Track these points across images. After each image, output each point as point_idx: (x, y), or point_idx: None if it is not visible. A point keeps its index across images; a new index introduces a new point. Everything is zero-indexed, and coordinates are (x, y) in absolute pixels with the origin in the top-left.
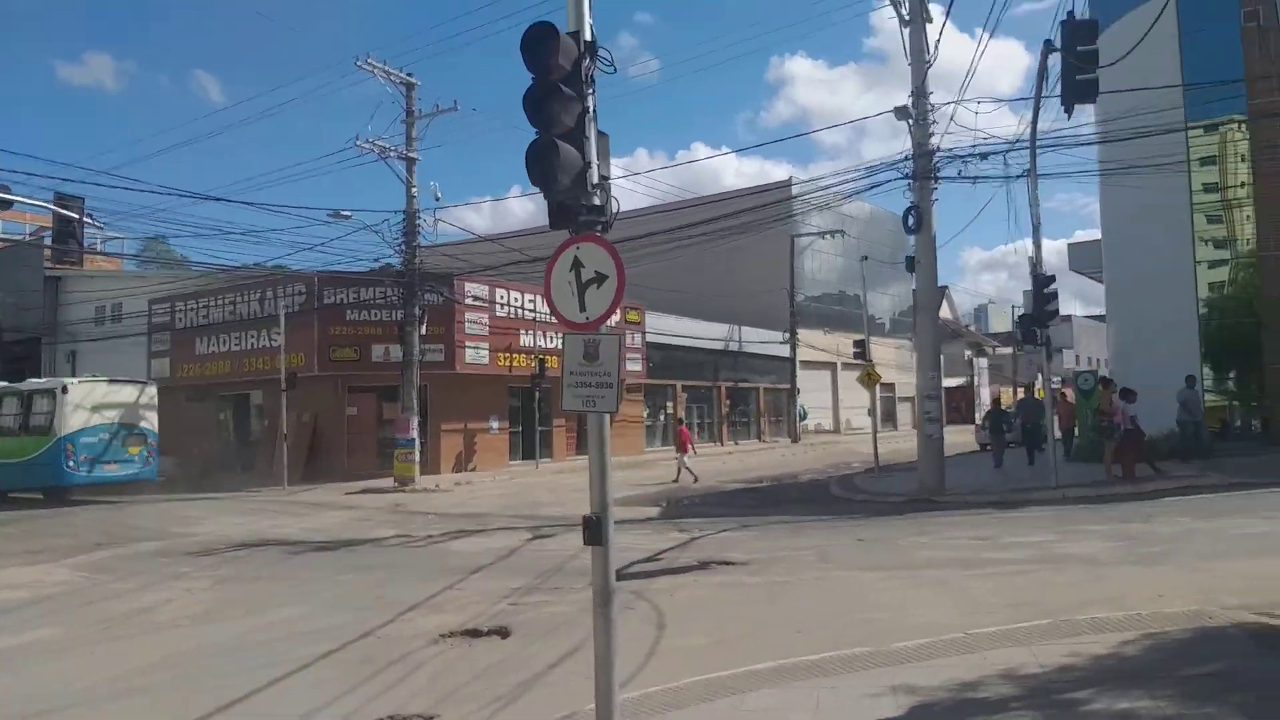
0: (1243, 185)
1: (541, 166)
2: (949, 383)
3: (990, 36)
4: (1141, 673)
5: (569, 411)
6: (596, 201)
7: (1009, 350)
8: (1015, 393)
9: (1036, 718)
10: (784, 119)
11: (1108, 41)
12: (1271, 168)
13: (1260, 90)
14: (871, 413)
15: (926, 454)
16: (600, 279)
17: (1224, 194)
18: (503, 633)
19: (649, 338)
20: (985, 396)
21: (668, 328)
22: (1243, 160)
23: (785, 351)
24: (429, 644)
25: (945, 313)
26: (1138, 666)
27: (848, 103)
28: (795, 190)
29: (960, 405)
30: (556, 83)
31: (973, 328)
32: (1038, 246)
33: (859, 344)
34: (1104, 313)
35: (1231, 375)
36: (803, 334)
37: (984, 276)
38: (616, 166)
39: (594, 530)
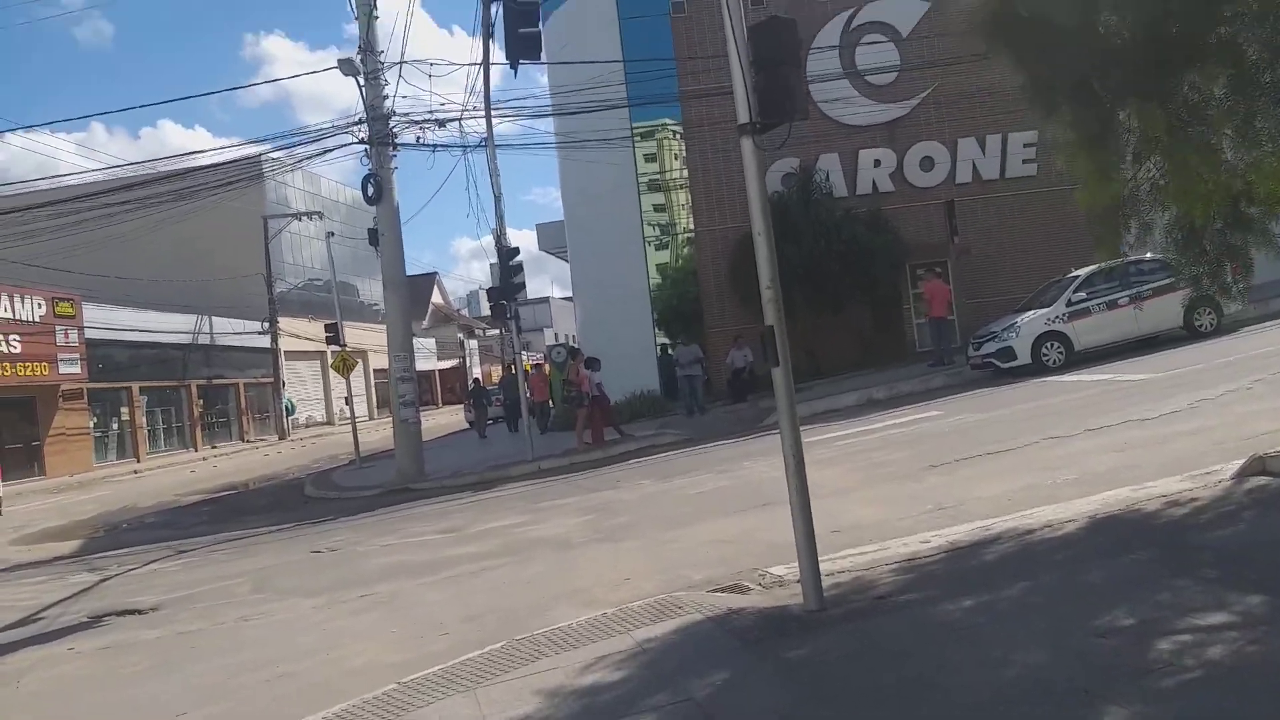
0: (679, 166)
1: None
2: (444, 364)
3: None
4: (612, 710)
5: None
6: None
7: (496, 331)
8: (503, 371)
9: None
10: (264, 99)
11: (558, 23)
12: (700, 149)
13: (687, 75)
14: (349, 400)
15: (403, 440)
16: None
17: (663, 176)
18: None
19: (93, 333)
20: (476, 373)
21: (116, 321)
22: (678, 141)
23: (266, 342)
24: None
25: (438, 298)
26: (604, 704)
27: (334, 89)
28: (245, 159)
29: (455, 386)
30: None
31: (464, 312)
32: (500, 218)
33: (330, 328)
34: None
35: (680, 340)
36: (287, 323)
37: (474, 264)
38: (66, 141)
39: None
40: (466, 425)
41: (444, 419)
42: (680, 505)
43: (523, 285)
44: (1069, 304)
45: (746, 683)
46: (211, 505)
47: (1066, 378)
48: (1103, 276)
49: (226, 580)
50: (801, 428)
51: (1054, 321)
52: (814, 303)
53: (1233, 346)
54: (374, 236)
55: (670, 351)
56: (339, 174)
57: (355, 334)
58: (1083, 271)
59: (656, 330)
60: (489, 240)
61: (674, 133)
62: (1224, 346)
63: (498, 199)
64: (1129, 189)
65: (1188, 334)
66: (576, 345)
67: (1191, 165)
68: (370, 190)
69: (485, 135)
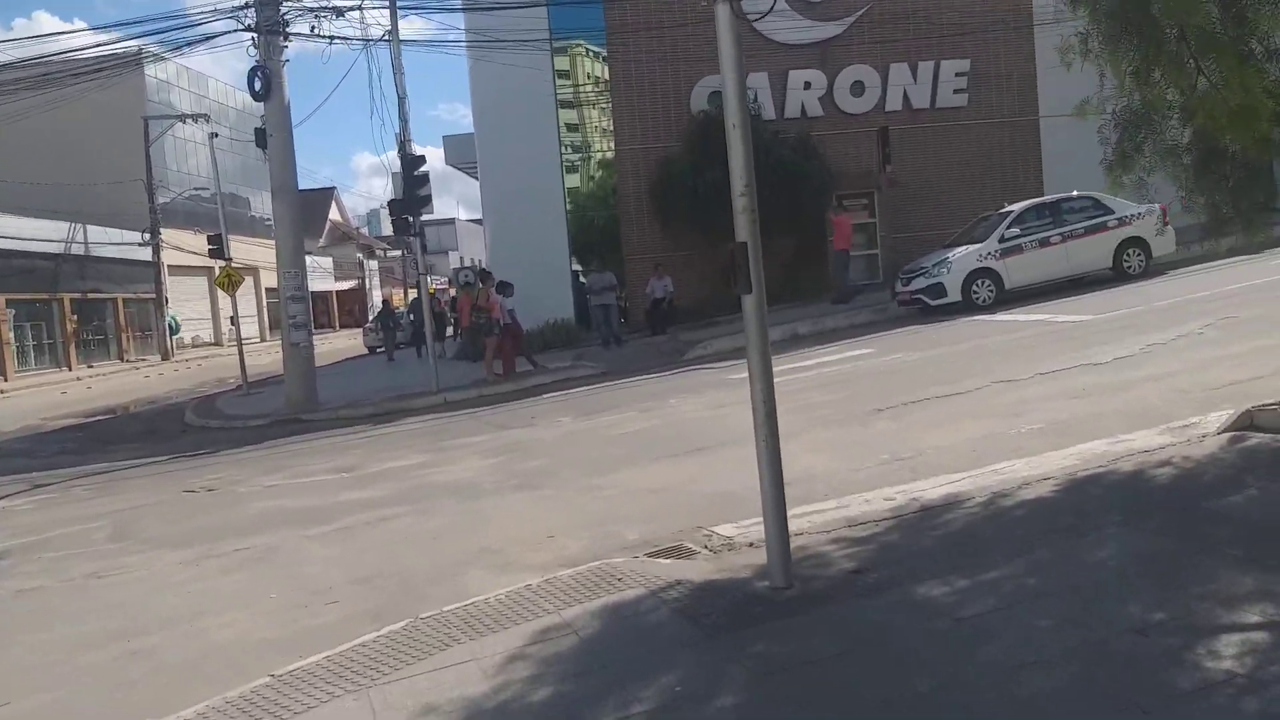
0: (597, 86)
1: None
2: (342, 285)
3: None
4: None
5: None
6: None
7: (399, 253)
8: (405, 294)
9: None
10: None
11: None
12: (623, 60)
13: None
14: (235, 321)
15: (294, 365)
16: None
17: (578, 90)
18: None
19: None
20: (377, 299)
21: None
22: (597, 61)
23: (148, 255)
24: None
25: (335, 215)
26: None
27: None
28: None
29: (354, 308)
30: None
31: (365, 231)
32: (404, 121)
33: (214, 240)
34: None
35: (594, 266)
36: (171, 235)
37: (375, 181)
38: None
39: None
40: (366, 351)
41: (342, 343)
42: (603, 447)
43: (429, 199)
44: (1002, 240)
45: (714, 693)
46: (79, 432)
47: (999, 317)
48: (1035, 213)
49: (84, 524)
50: (725, 364)
51: (986, 258)
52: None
53: (1166, 289)
54: (261, 137)
55: (583, 279)
56: (230, 76)
57: (245, 249)
58: (1016, 207)
59: (571, 256)
60: (394, 155)
61: (592, 51)
62: (1157, 289)
63: (402, 100)
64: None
65: (1115, 275)
66: (486, 268)
67: (1234, 75)
68: (258, 85)
69: (389, 28)
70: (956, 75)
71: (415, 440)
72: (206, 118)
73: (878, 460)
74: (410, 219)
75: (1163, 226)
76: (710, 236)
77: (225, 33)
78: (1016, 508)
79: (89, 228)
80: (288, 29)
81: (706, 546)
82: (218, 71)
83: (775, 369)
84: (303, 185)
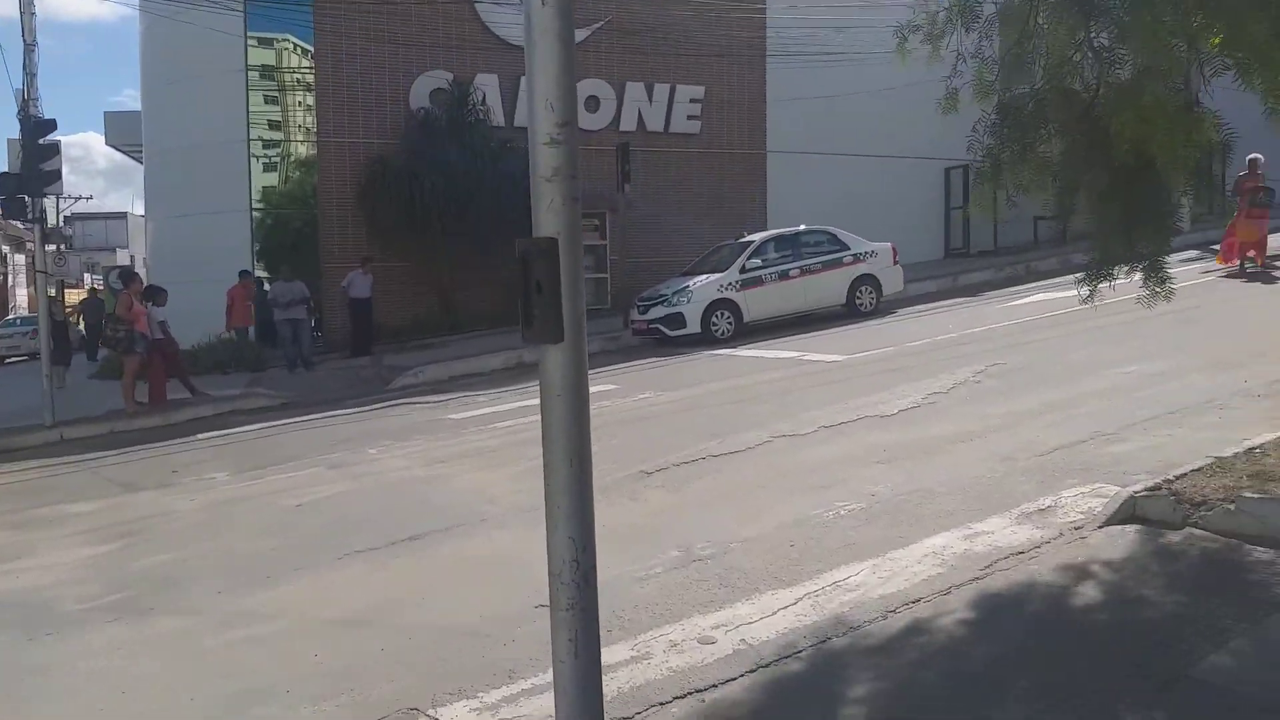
0: (299, 72)
1: None
2: None
3: None
4: None
5: None
6: None
7: (54, 248)
8: (61, 293)
9: None
10: None
11: None
12: (331, 38)
13: None
14: None
15: None
16: None
17: (280, 77)
18: None
19: None
20: (21, 297)
21: None
22: (298, 54)
23: None
24: None
25: None
26: None
27: None
28: None
29: None
30: None
31: (15, 222)
32: (31, 75)
33: None
34: None
35: (280, 275)
36: None
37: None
38: None
39: None
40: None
41: None
42: (268, 533)
43: (57, 175)
44: (743, 270)
45: None
46: None
47: (743, 352)
48: (775, 244)
49: None
50: (440, 397)
51: (727, 289)
52: (458, 242)
53: (908, 329)
54: None
55: (267, 289)
56: None
57: None
58: (756, 237)
59: (256, 261)
60: (77, 139)
61: (297, 46)
62: (897, 328)
63: (29, 49)
64: None
65: (847, 311)
66: (131, 269)
67: None
68: None
69: None
70: (691, 101)
71: None
72: None
73: (667, 559)
74: (28, 199)
75: (892, 264)
76: (425, 248)
77: None
78: (901, 667)
79: None
80: None
81: None
82: None
83: (502, 406)
84: None
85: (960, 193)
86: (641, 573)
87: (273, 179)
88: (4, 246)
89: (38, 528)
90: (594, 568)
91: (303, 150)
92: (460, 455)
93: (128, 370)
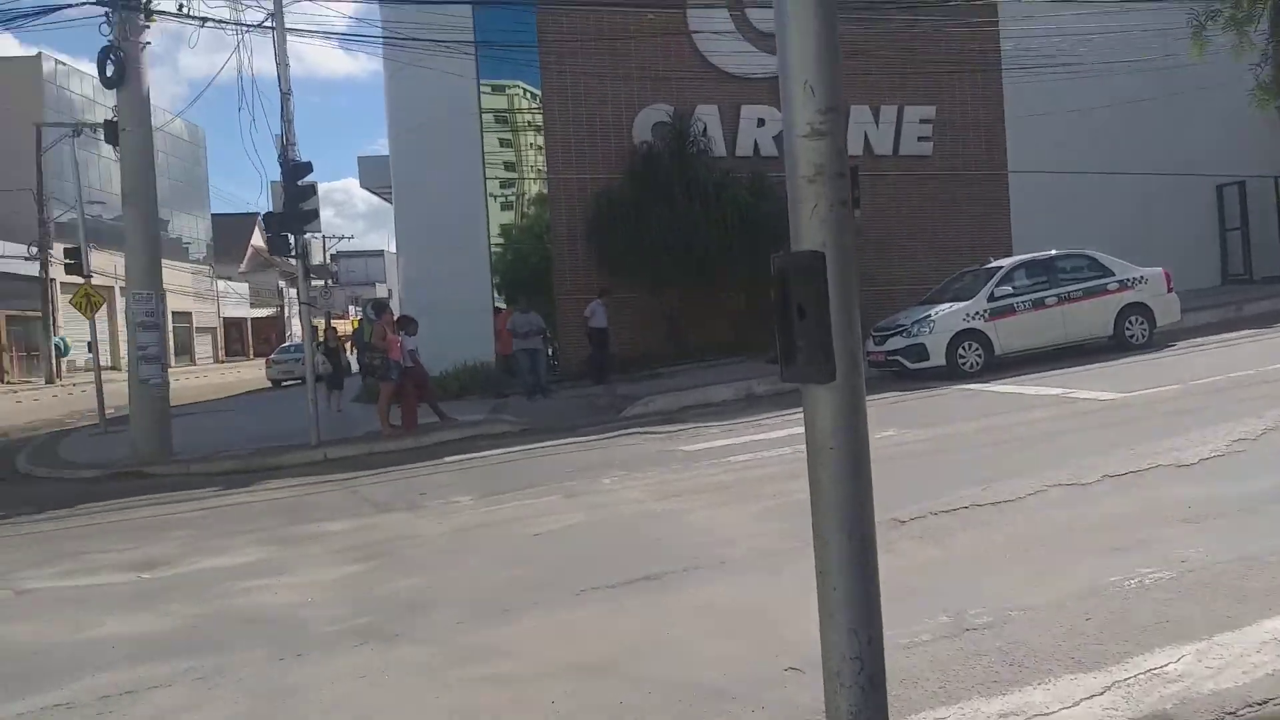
0: (531, 108)
1: None
2: (258, 312)
3: None
4: None
5: None
6: None
7: (322, 282)
8: (328, 323)
9: None
10: None
11: None
12: (558, 79)
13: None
14: (93, 346)
15: (142, 406)
16: None
17: (511, 113)
18: None
19: None
20: (297, 327)
21: None
22: (529, 98)
23: (35, 270)
24: None
25: (259, 240)
26: None
27: None
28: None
29: (271, 337)
30: None
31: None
32: (288, 121)
33: (71, 254)
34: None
35: (518, 306)
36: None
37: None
38: None
39: None
40: (270, 384)
41: (251, 373)
42: (508, 562)
43: (314, 215)
44: (991, 299)
45: None
46: None
47: (995, 387)
48: (1027, 270)
49: None
50: (671, 429)
51: (973, 318)
52: (685, 273)
53: (1191, 364)
54: (112, 131)
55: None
56: (166, 98)
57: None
58: (1005, 262)
59: (496, 292)
60: (329, 186)
61: (525, 90)
62: (1176, 363)
63: (286, 98)
64: None
65: (1115, 344)
66: (383, 300)
67: None
68: (110, 69)
69: (272, 10)
70: (921, 121)
71: (262, 520)
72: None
73: (935, 625)
74: (291, 236)
75: (1166, 293)
76: (652, 279)
77: (71, 4)
78: None
79: None
80: (149, 4)
81: None
82: None
83: (735, 440)
84: (229, 210)
85: (1238, 213)
86: (905, 639)
87: (509, 216)
88: (281, 282)
89: (298, 544)
90: (882, 670)
91: (535, 188)
92: (694, 490)
93: (383, 395)
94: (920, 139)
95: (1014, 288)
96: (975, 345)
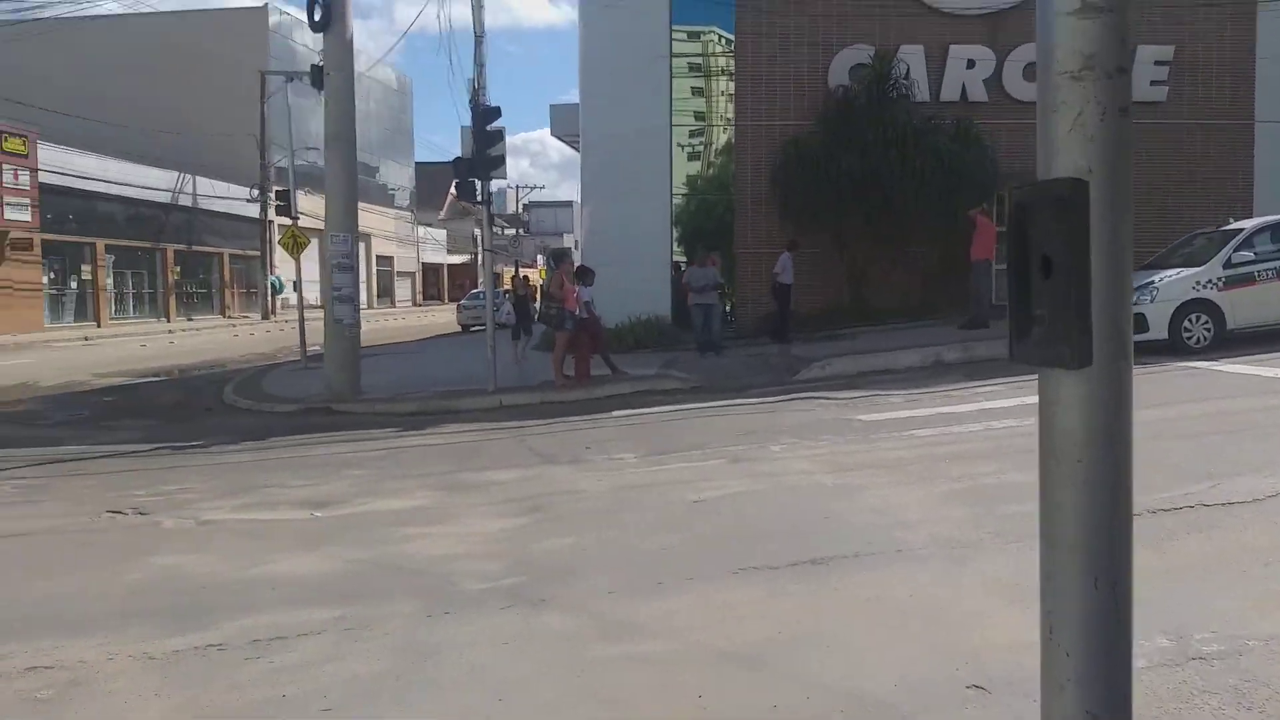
0: (725, 52)
1: None
2: (455, 259)
3: None
4: None
5: None
6: None
7: (513, 231)
8: (517, 272)
9: None
10: None
11: None
12: (753, 25)
13: None
14: (298, 286)
15: (335, 346)
16: None
17: (705, 63)
18: None
19: (49, 178)
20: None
21: (81, 167)
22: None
23: (256, 212)
24: None
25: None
26: None
27: None
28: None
29: (465, 283)
30: None
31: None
32: (480, 66)
33: (283, 195)
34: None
35: (696, 259)
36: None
37: (513, 160)
38: None
39: None
40: (460, 328)
41: (444, 317)
42: (666, 528)
43: (501, 160)
44: (1227, 264)
45: None
46: (109, 397)
47: (1226, 367)
48: (1272, 234)
49: None
50: (847, 394)
51: (1204, 287)
52: (875, 227)
53: None
54: (318, 75)
55: (682, 270)
56: (379, 49)
57: (363, 216)
58: (1248, 224)
59: (675, 245)
60: (524, 137)
61: (720, 36)
62: None
63: (479, 41)
64: None
65: None
66: (563, 250)
67: None
68: (317, 13)
69: None
70: (1156, 64)
71: (434, 464)
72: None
73: (1154, 649)
74: (477, 183)
75: None
76: (837, 234)
77: None
78: None
79: (198, 179)
80: None
81: None
82: (366, 43)
83: (918, 412)
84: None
85: None
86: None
87: (695, 167)
88: (476, 230)
89: (463, 491)
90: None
91: (723, 137)
92: (870, 465)
93: (558, 345)
94: (1153, 83)
95: (1255, 253)
96: (1204, 318)
